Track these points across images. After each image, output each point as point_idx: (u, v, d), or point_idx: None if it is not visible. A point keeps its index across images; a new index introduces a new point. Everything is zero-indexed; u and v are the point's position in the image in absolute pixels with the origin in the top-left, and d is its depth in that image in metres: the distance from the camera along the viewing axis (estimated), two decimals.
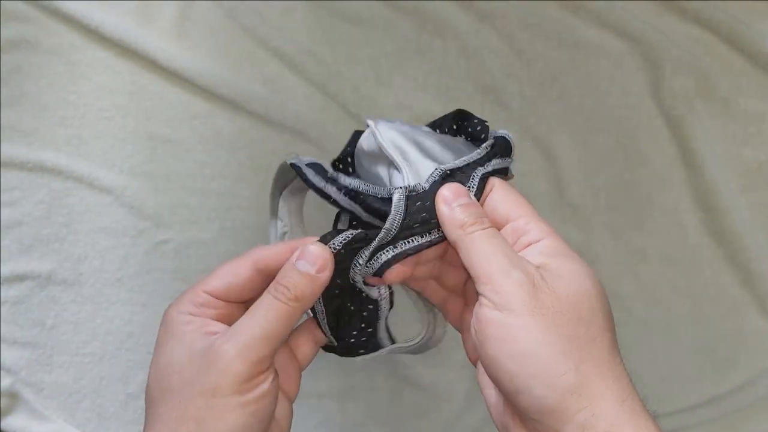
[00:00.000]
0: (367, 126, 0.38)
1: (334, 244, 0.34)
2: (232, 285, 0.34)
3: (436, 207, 0.34)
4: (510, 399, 0.30)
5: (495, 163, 0.37)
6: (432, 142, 0.37)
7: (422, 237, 0.34)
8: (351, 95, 0.53)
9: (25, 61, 0.50)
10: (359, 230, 0.34)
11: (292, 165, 0.37)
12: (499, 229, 0.34)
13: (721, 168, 0.53)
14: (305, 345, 0.37)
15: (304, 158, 0.38)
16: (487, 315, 0.30)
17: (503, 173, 0.38)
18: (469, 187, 0.35)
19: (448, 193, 0.34)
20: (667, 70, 0.53)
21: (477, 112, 0.54)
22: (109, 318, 0.50)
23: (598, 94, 0.54)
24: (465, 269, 0.33)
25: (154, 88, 0.52)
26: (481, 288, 0.31)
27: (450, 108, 0.53)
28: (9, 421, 0.48)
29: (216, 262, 0.51)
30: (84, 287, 0.50)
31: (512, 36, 0.54)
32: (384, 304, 0.37)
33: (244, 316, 0.33)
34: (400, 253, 0.34)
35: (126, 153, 0.51)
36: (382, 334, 0.38)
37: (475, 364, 0.35)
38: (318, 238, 0.34)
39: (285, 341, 0.36)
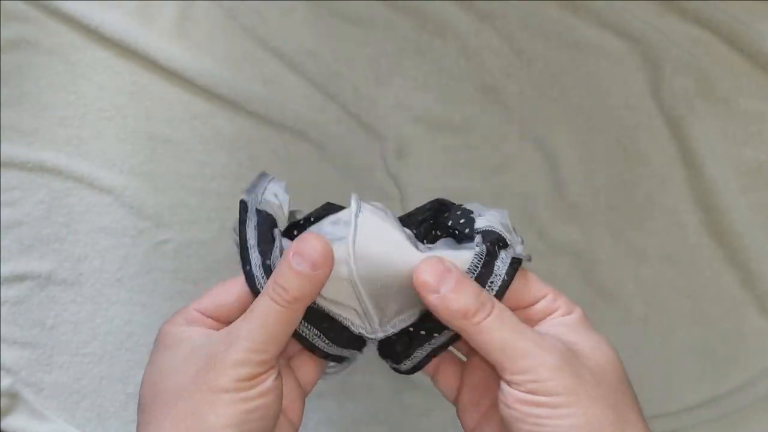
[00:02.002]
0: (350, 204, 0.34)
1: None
2: (224, 304, 0.33)
3: (422, 297, 0.30)
4: None
5: (504, 258, 0.32)
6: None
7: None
8: (351, 95, 0.53)
9: (25, 61, 0.50)
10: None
11: (242, 202, 0.35)
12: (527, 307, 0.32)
13: (721, 168, 0.53)
14: (307, 366, 0.35)
15: (270, 186, 0.36)
16: (525, 400, 0.29)
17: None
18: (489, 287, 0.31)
19: (428, 277, 0.30)
20: (667, 70, 0.53)
21: (477, 112, 0.54)
22: (109, 318, 0.50)
23: (598, 94, 0.54)
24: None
25: (154, 88, 0.52)
26: (512, 377, 0.29)
27: (450, 108, 0.54)
28: (9, 421, 0.48)
29: (216, 262, 0.51)
30: (84, 287, 0.50)
31: (512, 36, 0.54)
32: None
33: (242, 319, 0.31)
34: (438, 347, 0.33)
35: (126, 153, 0.51)
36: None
37: None
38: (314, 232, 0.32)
39: (287, 359, 0.35)
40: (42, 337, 0.49)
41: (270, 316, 0.30)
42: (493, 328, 0.30)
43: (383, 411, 0.52)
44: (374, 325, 0.33)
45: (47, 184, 0.50)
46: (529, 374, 0.29)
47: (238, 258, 0.34)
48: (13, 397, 0.48)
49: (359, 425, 0.52)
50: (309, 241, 0.30)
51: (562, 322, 0.32)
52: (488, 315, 0.30)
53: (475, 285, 0.31)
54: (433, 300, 0.30)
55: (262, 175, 0.38)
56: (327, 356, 0.35)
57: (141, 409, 0.32)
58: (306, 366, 0.35)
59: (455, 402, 0.36)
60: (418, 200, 0.38)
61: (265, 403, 0.30)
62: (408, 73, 0.53)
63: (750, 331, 0.52)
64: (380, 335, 0.33)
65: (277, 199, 0.35)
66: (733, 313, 0.53)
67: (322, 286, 0.31)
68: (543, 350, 0.29)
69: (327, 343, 0.34)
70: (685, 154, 0.53)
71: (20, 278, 0.49)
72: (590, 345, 0.31)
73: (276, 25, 0.53)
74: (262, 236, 0.33)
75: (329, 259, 0.30)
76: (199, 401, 0.29)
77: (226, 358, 0.30)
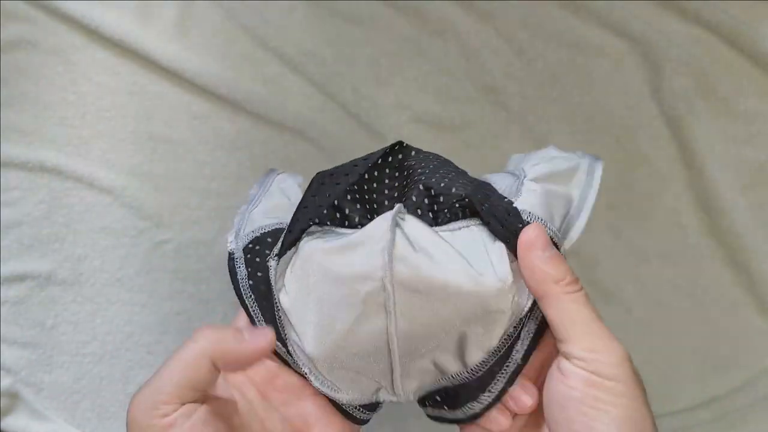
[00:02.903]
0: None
1: None
2: (191, 386, 0.31)
3: (526, 254, 0.31)
4: None
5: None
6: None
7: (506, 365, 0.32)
8: (351, 95, 0.53)
9: (25, 61, 0.50)
10: None
11: (229, 254, 0.34)
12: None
13: (721, 168, 0.53)
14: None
15: (276, 183, 0.37)
16: (590, 379, 0.30)
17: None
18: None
19: (534, 237, 0.31)
20: (667, 70, 0.53)
21: (477, 112, 0.54)
22: (109, 318, 0.50)
23: (598, 94, 0.54)
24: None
25: (154, 88, 0.52)
26: (582, 353, 0.30)
27: (450, 108, 0.54)
28: (9, 421, 0.48)
29: (216, 262, 0.51)
30: (84, 287, 0.50)
31: (512, 36, 0.54)
32: None
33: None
34: (497, 398, 0.32)
35: (126, 153, 0.51)
36: None
37: None
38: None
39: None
40: (42, 337, 0.49)
41: (172, 361, 0.30)
42: (579, 302, 0.31)
43: (383, 411, 0.52)
44: (397, 386, 0.32)
45: (47, 184, 0.50)
46: (600, 354, 0.30)
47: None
48: (13, 397, 0.48)
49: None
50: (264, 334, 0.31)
51: None
52: (579, 290, 0.31)
53: (566, 263, 0.32)
54: (538, 257, 0.31)
55: (269, 173, 0.38)
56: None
57: None
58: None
59: None
60: None
61: None
62: (408, 73, 0.54)
63: (750, 331, 0.53)
64: (408, 398, 0.33)
65: (285, 195, 0.36)
66: (733, 313, 0.53)
67: (252, 355, 0.31)
68: (614, 340, 0.30)
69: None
70: (685, 154, 0.53)
71: (20, 278, 0.49)
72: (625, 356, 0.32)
73: (276, 25, 0.53)
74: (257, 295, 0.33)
75: (270, 342, 0.31)
76: None
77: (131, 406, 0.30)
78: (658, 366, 0.52)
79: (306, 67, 0.53)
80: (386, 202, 0.34)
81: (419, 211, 0.33)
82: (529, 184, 0.34)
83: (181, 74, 0.51)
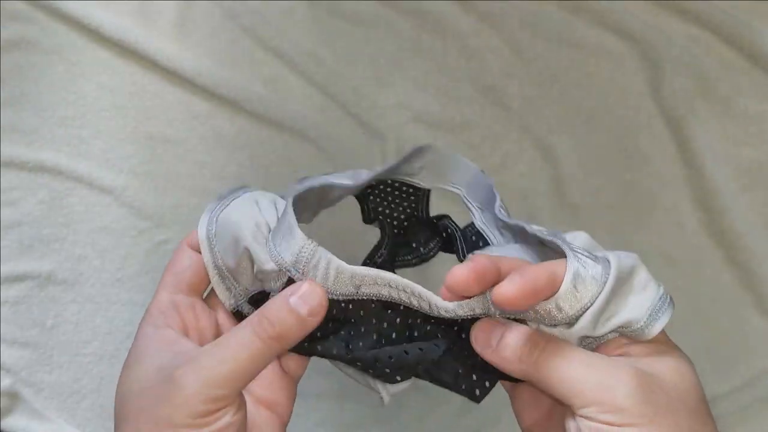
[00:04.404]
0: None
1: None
2: (183, 278, 0.33)
3: (480, 354, 0.30)
4: None
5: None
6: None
7: None
8: (351, 95, 0.53)
9: (25, 61, 0.50)
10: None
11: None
12: None
13: (721, 168, 0.53)
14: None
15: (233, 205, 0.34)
16: (600, 429, 0.27)
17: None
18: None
19: (479, 332, 0.30)
20: (667, 70, 0.53)
21: (477, 112, 0.54)
22: (109, 318, 0.50)
23: (598, 94, 0.54)
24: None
25: (154, 88, 0.52)
26: (584, 411, 0.28)
27: (450, 108, 0.54)
28: (9, 421, 0.48)
29: None
30: (84, 287, 0.50)
31: (512, 36, 0.54)
32: None
33: (213, 345, 0.30)
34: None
35: (126, 153, 0.51)
36: None
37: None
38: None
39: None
40: (42, 337, 0.49)
41: (244, 350, 0.29)
42: (551, 364, 0.29)
43: (383, 411, 0.52)
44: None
45: (47, 184, 0.50)
46: (603, 406, 0.28)
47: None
48: (13, 397, 0.48)
49: (359, 425, 0.52)
50: (314, 289, 0.30)
51: (641, 343, 0.30)
52: (541, 354, 0.29)
53: (525, 328, 0.30)
54: (489, 355, 0.30)
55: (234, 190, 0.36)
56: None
57: (115, 424, 0.31)
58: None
59: (511, 394, 0.35)
60: None
61: None
62: (408, 73, 0.53)
63: (750, 331, 0.52)
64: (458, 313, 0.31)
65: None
66: (733, 313, 0.53)
67: (306, 334, 0.30)
68: (615, 379, 0.28)
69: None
70: (685, 154, 0.53)
71: (20, 278, 0.49)
72: (669, 366, 0.30)
73: (276, 25, 0.53)
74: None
75: (322, 311, 0.30)
76: None
77: (181, 391, 0.28)
78: None
79: (306, 67, 0.52)
80: None
81: None
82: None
83: (181, 74, 0.51)
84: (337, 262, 0.30)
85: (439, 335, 0.32)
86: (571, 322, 0.29)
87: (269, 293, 0.32)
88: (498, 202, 0.36)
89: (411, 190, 0.40)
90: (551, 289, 0.28)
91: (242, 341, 0.29)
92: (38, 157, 0.50)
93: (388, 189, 0.40)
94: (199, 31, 0.52)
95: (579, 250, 0.30)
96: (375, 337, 0.32)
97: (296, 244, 0.30)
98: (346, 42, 0.53)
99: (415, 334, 0.32)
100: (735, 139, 0.53)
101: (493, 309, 0.30)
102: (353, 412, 0.51)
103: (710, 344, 0.52)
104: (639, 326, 0.30)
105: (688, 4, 0.53)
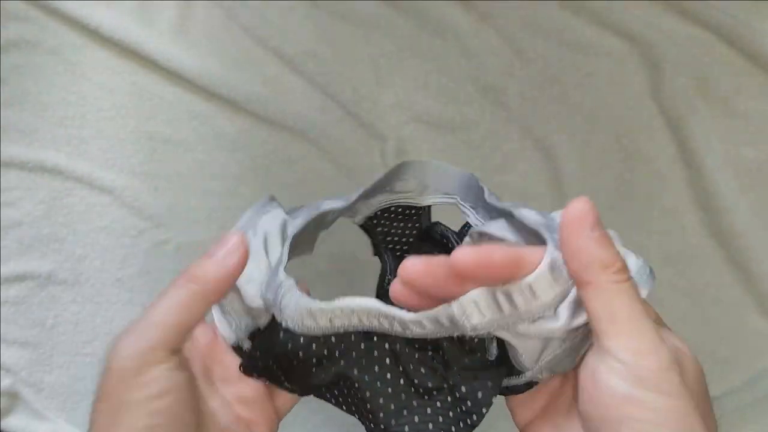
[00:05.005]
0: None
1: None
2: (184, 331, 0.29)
3: (569, 232, 0.26)
4: None
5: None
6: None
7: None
8: (351, 95, 0.53)
9: (25, 61, 0.50)
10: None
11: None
12: None
13: (721, 168, 0.53)
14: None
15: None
16: (637, 380, 0.25)
17: None
18: None
19: (583, 212, 0.26)
20: (667, 70, 0.53)
21: (477, 112, 0.54)
22: (109, 318, 0.50)
23: (598, 94, 0.54)
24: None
25: (154, 88, 0.52)
26: (621, 355, 0.26)
27: (450, 108, 0.54)
28: (9, 421, 0.48)
29: None
30: (84, 287, 0.50)
31: (512, 36, 0.54)
32: None
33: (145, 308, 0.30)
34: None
35: (126, 153, 0.51)
36: None
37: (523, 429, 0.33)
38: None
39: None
40: (42, 337, 0.49)
41: (165, 298, 0.29)
42: (627, 293, 0.26)
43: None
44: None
45: (47, 184, 0.50)
46: (643, 359, 0.26)
47: None
48: (13, 397, 0.48)
49: (359, 425, 0.52)
50: (229, 236, 0.30)
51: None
52: (627, 280, 0.26)
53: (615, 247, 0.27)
54: (583, 238, 0.26)
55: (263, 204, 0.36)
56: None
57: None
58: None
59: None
60: None
61: (165, 405, 0.28)
62: (408, 73, 0.54)
63: (750, 331, 0.52)
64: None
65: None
66: (733, 313, 0.53)
67: (228, 278, 0.29)
68: (662, 342, 0.26)
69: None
70: (685, 154, 0.53)
71: (20, 278, 0.49)
72: (686, 351, 0.29)
73: (276, 25, 0.53)
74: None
75: (240, 251, 0.29)
76: (107, 421, 0.29)
77: (117, 354, 0.29)
78: None
79: (306, 67, 0.53)
80: None
81: None
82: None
83: (181, 74, 0.51)
84: (297, 299, 0.29)
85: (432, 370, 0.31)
86: (550, 316, 0.27)
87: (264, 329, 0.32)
88: (487, 192, 0.36)
89: (413, 211, 0.40)
90: (511, 268, 0.26)
91: (164, 294, 0.29)
92: (38, 157, 0.50)
93: (392, 215, 0.39)
94: (199, 31, 0.52)
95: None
96: (367, 377, 0.31)
97: (277, 281, 0.30)
98: (346, 42, 0.53)
99: (402, 368, 0.31)
100: (735, 139, 0.53)
101: (461, 322, 0.27)
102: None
103: (710, 344, 0.52)
104: None
105: (688, 4, 0.53)
